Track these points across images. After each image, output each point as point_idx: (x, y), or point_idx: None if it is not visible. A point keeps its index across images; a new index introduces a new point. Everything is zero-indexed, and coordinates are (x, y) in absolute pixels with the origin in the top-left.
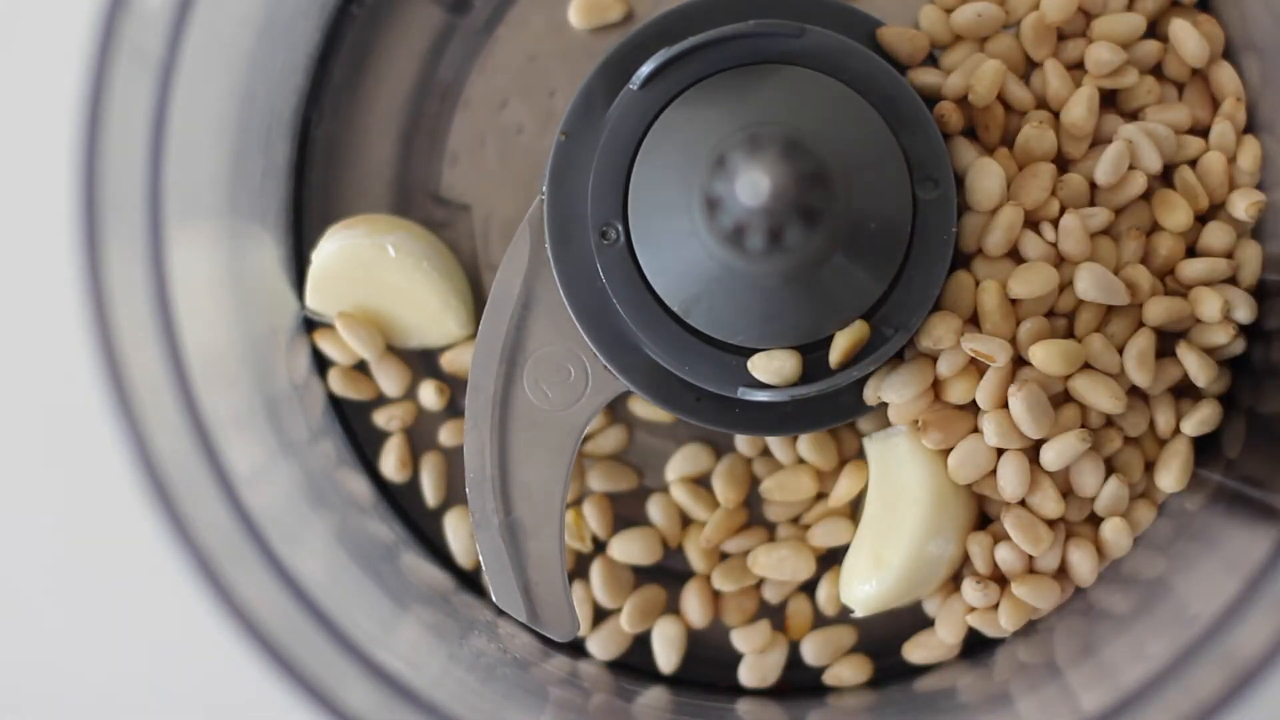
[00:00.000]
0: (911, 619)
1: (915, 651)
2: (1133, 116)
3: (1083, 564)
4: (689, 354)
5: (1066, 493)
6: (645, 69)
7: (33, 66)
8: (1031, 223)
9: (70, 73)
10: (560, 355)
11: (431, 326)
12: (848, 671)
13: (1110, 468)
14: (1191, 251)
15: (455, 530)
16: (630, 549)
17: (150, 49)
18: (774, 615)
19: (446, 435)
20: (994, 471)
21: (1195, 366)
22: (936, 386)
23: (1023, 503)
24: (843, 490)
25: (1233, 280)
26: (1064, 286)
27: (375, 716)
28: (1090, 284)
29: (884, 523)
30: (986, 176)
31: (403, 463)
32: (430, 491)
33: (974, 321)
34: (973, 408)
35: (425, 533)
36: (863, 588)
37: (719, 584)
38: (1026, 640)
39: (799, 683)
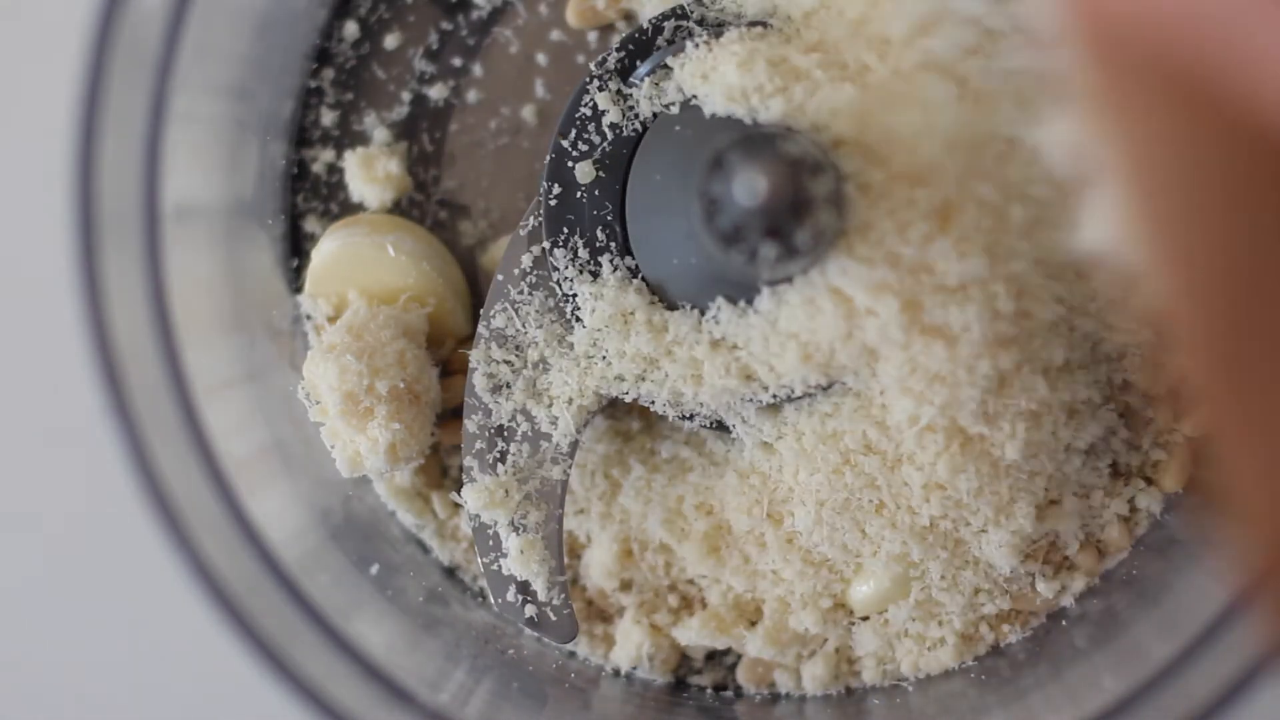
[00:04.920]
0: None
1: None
2: None
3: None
4: None
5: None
6: (643, 69)
7: (31, 64)
8: None
9: (68, 70)
10: (558, 356)
11: (430, 326)
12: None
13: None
14: None
15: (455, 532)
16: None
17: (148, 47)
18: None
19: (446, 436)
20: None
21: None
22: None
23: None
24: None
25: None
26: None
27: (372, 716)
28: None
29: None
30: None
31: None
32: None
33: None
34: None
35: (423, 534)
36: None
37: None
38: (1026, 641)
39: (797, 683)
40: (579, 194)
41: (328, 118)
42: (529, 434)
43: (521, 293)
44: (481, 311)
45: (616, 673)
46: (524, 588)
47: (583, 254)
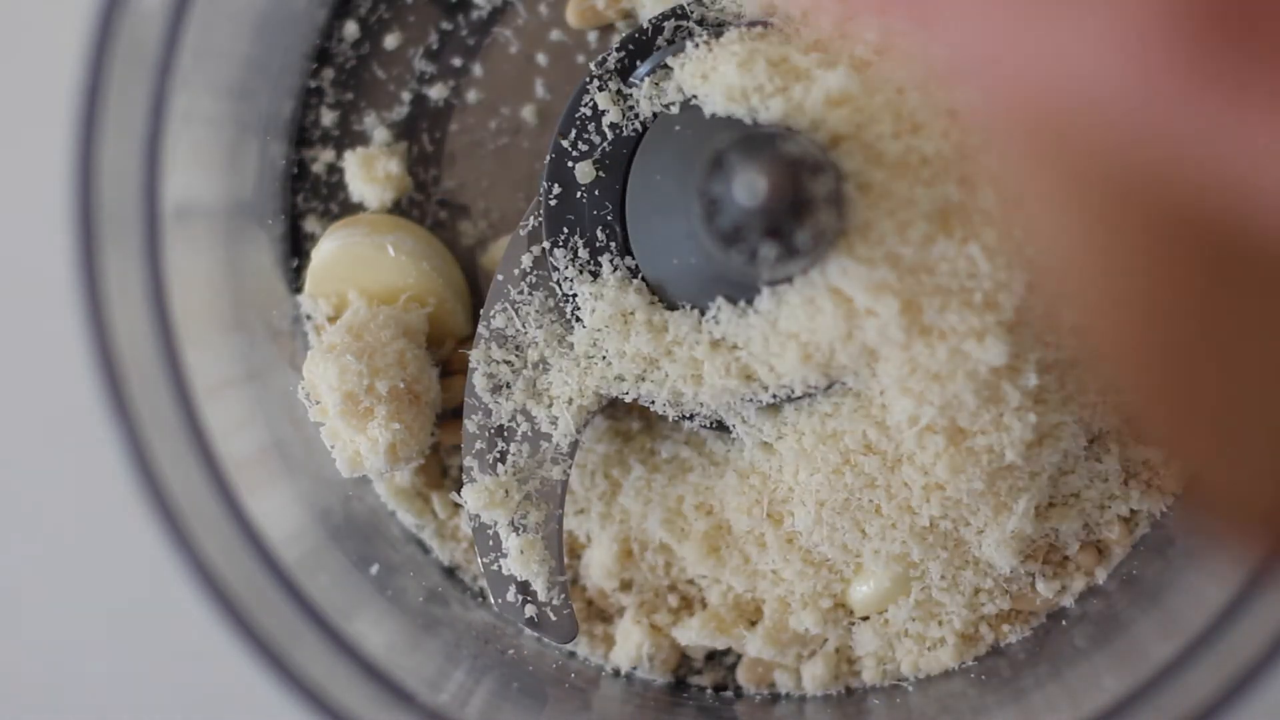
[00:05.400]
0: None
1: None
2: None
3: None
4: None
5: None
6: (643, 69)
7: (32, 64)
8: None
9: (69, 70)
10: (558, 356)
11: (430, 326)
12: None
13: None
14: None
15: (455, 532)
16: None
17: (148, 47)
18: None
19: (446, 436)
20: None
21: None
22: None
23: None
24: None
25: None
26: None
27: (372, 716)
28: None
29: None
30: None
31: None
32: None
33: None
34: None
35: (423, 534)
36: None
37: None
38: (1026, 641)
39: (797, 683)
40: (579, 194)
41: (328, 118)
42: (529, 434)
43: (521, 293)
44: (481, 311)
45: (616, 673)
46: (524, 588)
47: (583, 254)
